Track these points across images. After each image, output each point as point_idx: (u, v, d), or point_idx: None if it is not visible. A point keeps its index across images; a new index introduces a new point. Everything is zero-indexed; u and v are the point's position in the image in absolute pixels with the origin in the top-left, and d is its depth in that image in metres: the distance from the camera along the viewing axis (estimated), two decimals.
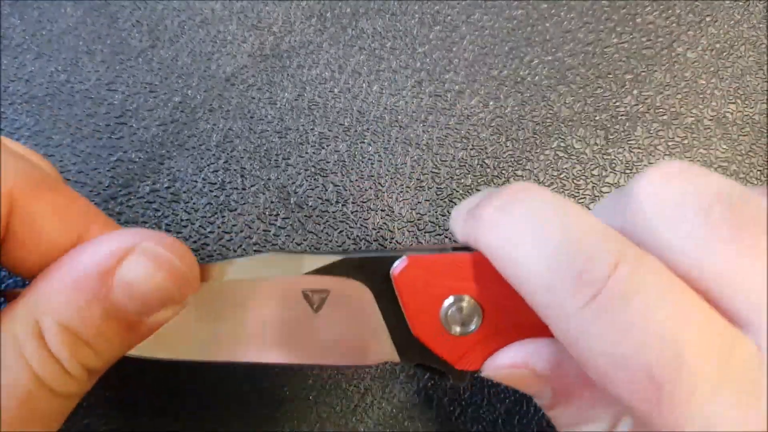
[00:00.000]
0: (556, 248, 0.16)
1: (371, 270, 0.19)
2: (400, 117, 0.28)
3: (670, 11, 0.30)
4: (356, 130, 0.28)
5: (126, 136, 0.28)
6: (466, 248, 0.19)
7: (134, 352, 0.19)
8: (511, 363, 0.19)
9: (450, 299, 0.18)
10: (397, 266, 0.19)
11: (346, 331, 0.20)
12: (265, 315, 0.19)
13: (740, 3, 0.30)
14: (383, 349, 0.19)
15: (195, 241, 0.27)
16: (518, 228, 0.17)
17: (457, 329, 0.19)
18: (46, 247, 0.17)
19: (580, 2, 0.30)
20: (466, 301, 0.18)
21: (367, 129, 0.28)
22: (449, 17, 0.29)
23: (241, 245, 0.27)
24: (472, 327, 0.19)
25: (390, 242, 0.27)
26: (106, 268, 0.17)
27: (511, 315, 0.18)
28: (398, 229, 0.27)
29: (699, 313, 0.15)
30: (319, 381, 0.26)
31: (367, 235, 0.27)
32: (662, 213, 0.16)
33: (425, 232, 0.27)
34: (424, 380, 0.27)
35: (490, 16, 0.29)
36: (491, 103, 0.29)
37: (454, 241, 0.20)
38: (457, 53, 0.29)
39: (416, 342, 0.19)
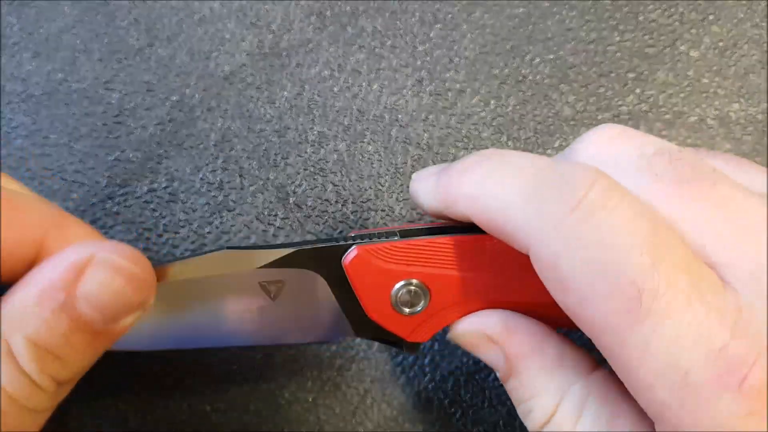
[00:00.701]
0: (535, 177, 0.17)
1: (323, 260, 0.20)
2: (400, 116, 0.28)
3: (672, 9, 0.29)
4: (356, 129, 0.28)
5: (123, 136, 0.27)
6: (412, 233, 0.20)
7: None
8: (467, 329, 0.20)
9: (399, 283, 0.20)
10: (348, 256, 0.20)
11: (304, 314, 0.21)
12: (224, 307, 0.21)
13: (743, 1, 0.30)
14: (341, 328, 0.21)
15: (193, 242, 0.27)
16: (496, 170, 0.18)
17: (407, 310, 0.20)
18: (5, 261, 0.18)
19: (581, 1, 0.29)
20: (414, 285, 0.20)
21: (367, 128, 0.28)
22: (450, 15, 0.29)
23: (240, 245, 0.27)
24: (419, 307, 0.20)
25: None
26: (69, 281, 0.17)
27: (455, 294, 0.20)
28: None
29: (673, 233, 0.16)
30: (318, 383, 0.26)
31: None
32: (605, 172, 0.17)
33: None
34: (425, 382, 0.26)
35: (491, 14, 0.29)
36: (492, 102, 0.28)
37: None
38: (457, 52, 0.29)
39: (371, 322, 0.20)
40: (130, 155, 0.27)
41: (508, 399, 0.26)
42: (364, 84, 0.28)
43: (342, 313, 0.21)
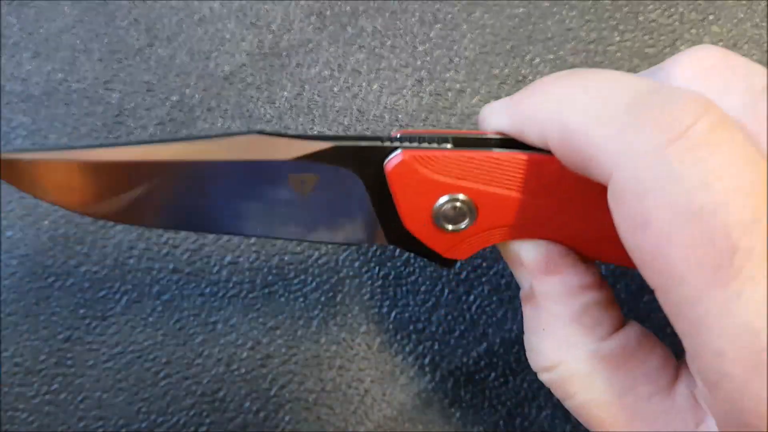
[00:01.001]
0: (633, 95, 0.15)
1: (363, 160, 0.18)
2: (400, 116, 0.28)
3: (672, 9, 0.29)
4: (356, 129, 0.28)
5: (123, 136, 0.27)
6: (467, 142, 0.18)
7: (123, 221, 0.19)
8: (511, 248, 0.19)
9: (445, 197, 0.18)
10: (392, 160, 0.18)
11: (335, 214, 0.19)
12: (250, 195, 0.19)
13: (743, 1, 0.30)
14: (373, 234, 0.20)
15: (193, 242, 0.27)
16: (586, 84, 0.16)
17: (449, 226, 0.18)
18: None
19: (581, 1, 0.29)
20: (461, 200, 0.18)
21: (367, 128, 0.28)
22: (450, 15, 0.29)
23: (239, 245, 0.27)
24: (463, 225, 0.18)
25: None
26: None
27: (504, 216, 0.18)
28: None
29: None
30: (318, 383, 0.26)
31: None
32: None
33: None
34: (425, 382, 0.26)
35: (491, 14, 0.29)
36: (492, 102, 0.28)
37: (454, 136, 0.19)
38: (457, 52, 0.29)
39: (406, 232, 0.19)
40: None
41: (508, 399, 0.26)
42: (364, 84, 0.28)
43: (376, 218, 0.19)
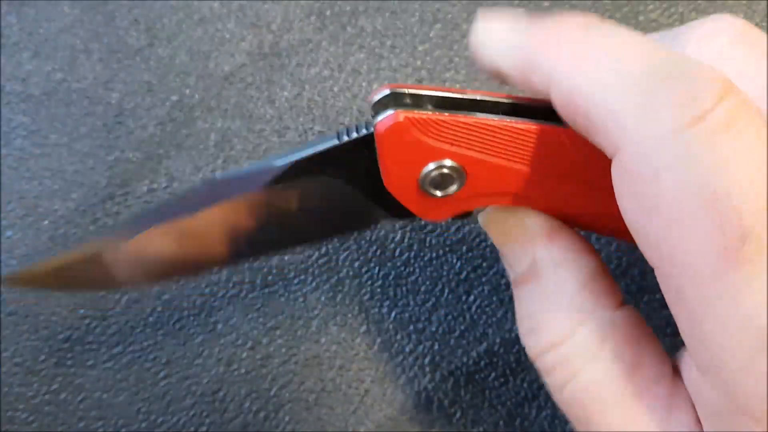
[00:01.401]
0: (654, 66, 0.14)
1: (330, 162, 0.18)
2: None
3: (672, 9, 0.29)
4: None
5: (123, 136, 0.27)
6: (461, 106, 0.17)
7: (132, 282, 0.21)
8: (506, 219, 0.19)
9: (432, 164, 0.17)
10: (383, 120, 0.17)
11: (332, 213, 0.20)
12: (248, 228, 0.20)
13: (743, 2, 0.30)
14: (375, 210, 0.20)
15: None
16: (606, 44, 0.15)
17: (438, 193, 0.18)
18: None
19: (581, 1, 0.29)
20: (448, 167, 0.17)
21: None
22: (450, 15, 0.29)
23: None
24: (450, 191, 0.18)
25: (391, 242, 0.27)
26: None
27: (494, 184, 0.18)
28: (399, 228, 0.27)
29: None
30: (318, 383, 0.26)
31: (367, 234, 0.27)
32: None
33: (426, 233, 0.27)
34: (425, 382, 0.26)
35: None
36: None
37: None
38: (457, 51, 0.29)
39: (386, 193, 0.18)
40: (130, 155, 0.27)
41: (508, 399, 0.26)
42: (364, 84, 0.28)
43: (365, 198, 0.19)
